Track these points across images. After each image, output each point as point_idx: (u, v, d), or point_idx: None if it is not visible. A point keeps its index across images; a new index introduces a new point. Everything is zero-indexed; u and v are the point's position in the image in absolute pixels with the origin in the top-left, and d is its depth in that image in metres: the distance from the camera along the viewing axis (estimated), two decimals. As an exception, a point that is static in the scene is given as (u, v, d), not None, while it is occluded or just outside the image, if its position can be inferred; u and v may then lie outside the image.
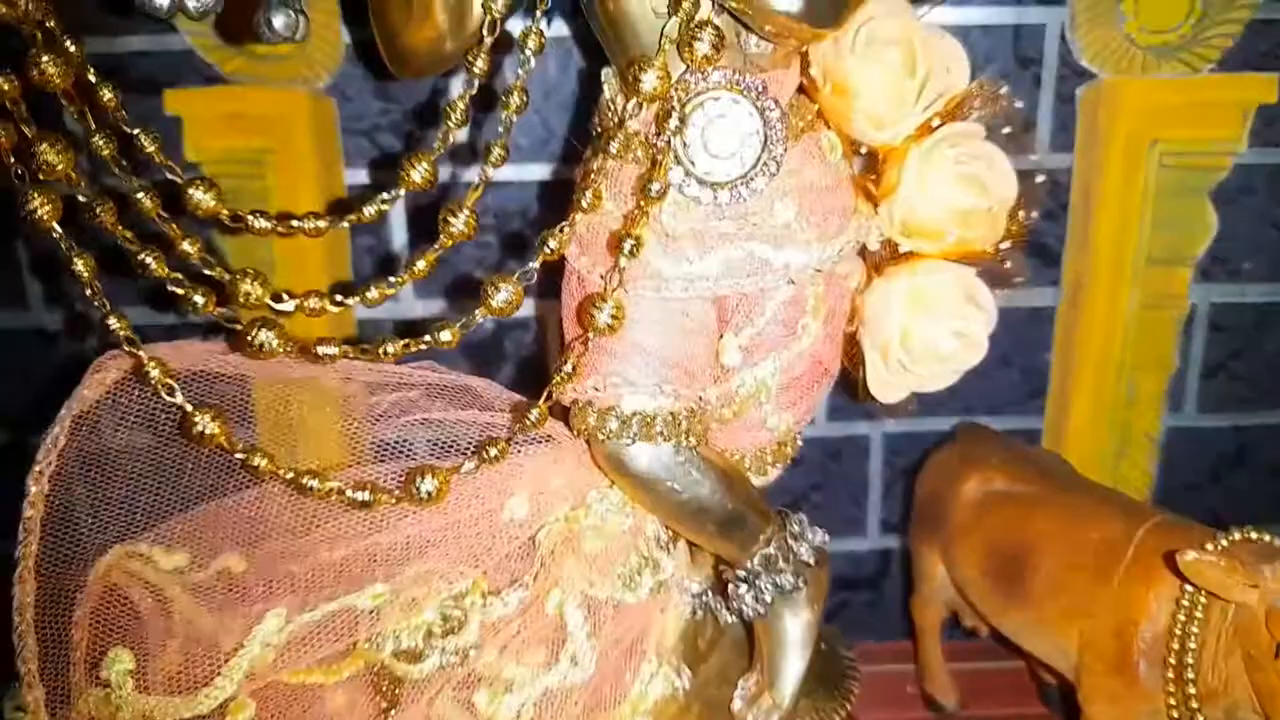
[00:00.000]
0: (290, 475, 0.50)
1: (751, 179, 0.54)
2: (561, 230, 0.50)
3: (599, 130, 0.58)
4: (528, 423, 0.52)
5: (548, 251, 0.50)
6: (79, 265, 0.46)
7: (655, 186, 0.49)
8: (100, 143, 0.50)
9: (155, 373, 0.48)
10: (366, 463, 0.58)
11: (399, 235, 0.78)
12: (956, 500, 0.73)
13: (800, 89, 0.58)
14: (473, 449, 0.53)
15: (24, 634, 0.52)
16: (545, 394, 0.52)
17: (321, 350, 0.50)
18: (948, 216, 0.60)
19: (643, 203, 0.50)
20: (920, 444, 0.83)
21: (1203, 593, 0.57)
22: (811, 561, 0.62)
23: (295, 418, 0.58)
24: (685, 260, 0.55)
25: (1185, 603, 0.58)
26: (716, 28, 0.47)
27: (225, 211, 0.49)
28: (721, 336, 0.59)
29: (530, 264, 0.50)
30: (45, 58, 0.43)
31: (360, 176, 0.76)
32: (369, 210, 0.51)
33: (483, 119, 0.71)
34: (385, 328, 0.78)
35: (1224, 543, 0.57)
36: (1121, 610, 0.61)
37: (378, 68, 0.72)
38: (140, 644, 0.55)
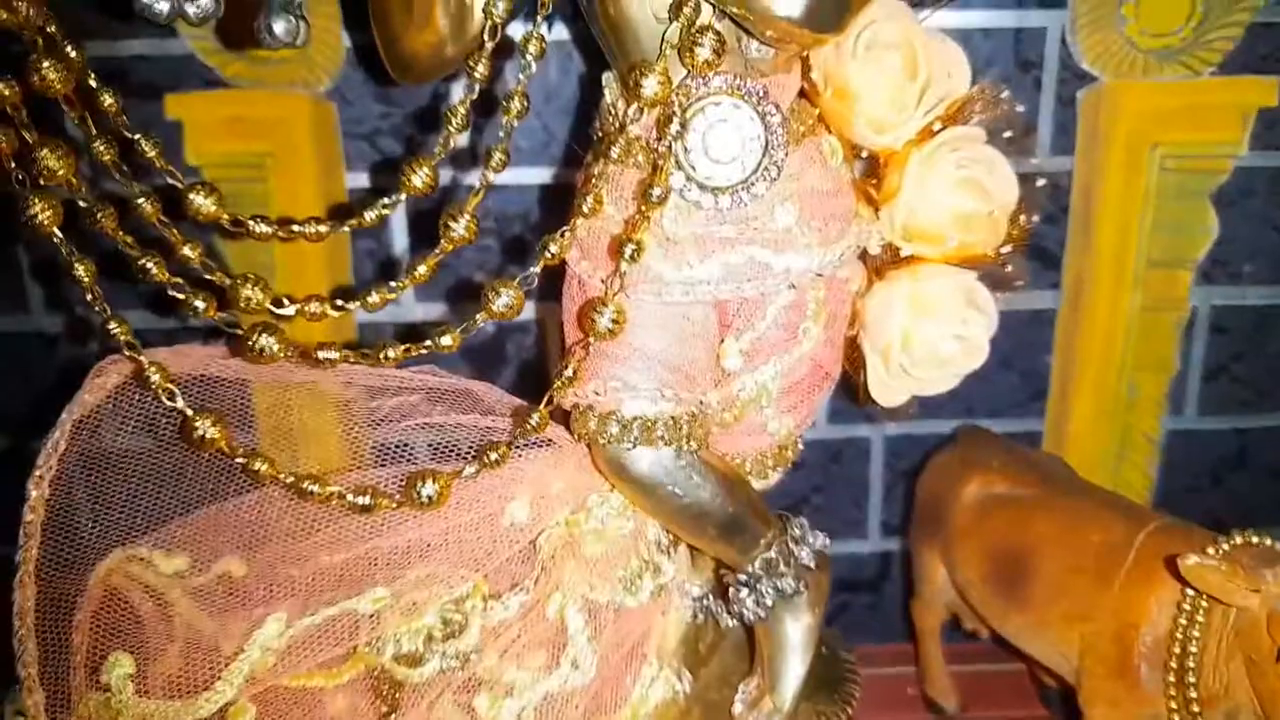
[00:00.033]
0: (291, 480, 0.50)
1: (752, 184, 0.54)
2: (562, 235, 0.50)
3: (600, 135, 0.58)
4: (528, 427, 0.52)
5: (549, 256, 0.50)
6: (80, 270, 0.46)
7: (656, 191, 0.49)
8: (101, 148, 0.50)
9: (156, 377, 0.48)
10: (367, 467, 0.59)
11: (400, 239, 0.77)
12: (957, 503, 0.73)
13: (801, 93, 0.58)
14: (473, 453, 0.53)
15: (24, 638, 0.52)
16: (546, 398, 0.52)
17: (322, 355, 0.50)
18: (949, 221, 0.60)
19: (644, 207, 0.50)
20: (921, 447, 0.83)
21: (1204, 597, 0.57)
22: (812, 565, 0.62)
23: (296, 422, 0.58)
24: (686, 265, 0.55)
25: (1186, 607, 0.58)
26: (718, 33, 0.47)
27: (226, 216, 0.49)
28: (722, 341, 0.59)
29: (531, 268, 0.50)
30: (46, 63, 0.43)
31: (361, 180, 0.76)
32: (370, 215, 0.51)
33: (484, 123, 0.71)
34: (386, 332, 0.78)
35: (1225, 547, 0.57)
36: (1123, 614, 0.61)
37: (379, 72, 0.71)
38: (141, 648, 0.55)
